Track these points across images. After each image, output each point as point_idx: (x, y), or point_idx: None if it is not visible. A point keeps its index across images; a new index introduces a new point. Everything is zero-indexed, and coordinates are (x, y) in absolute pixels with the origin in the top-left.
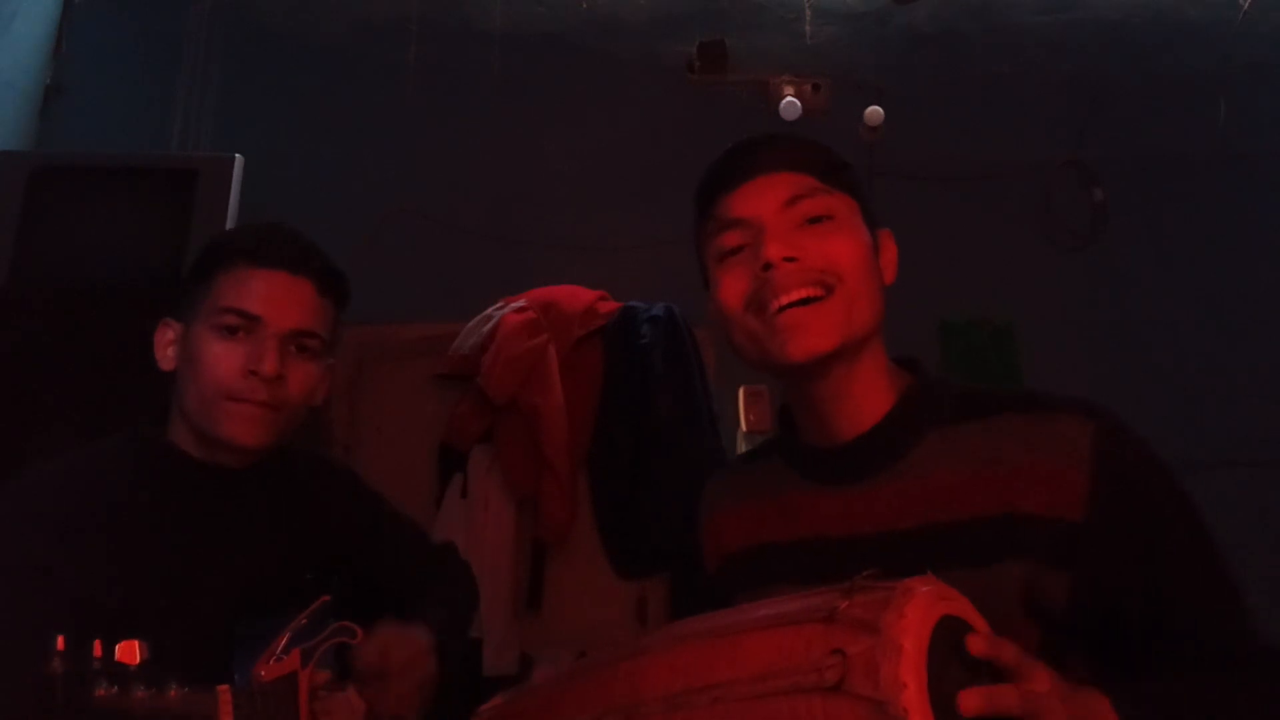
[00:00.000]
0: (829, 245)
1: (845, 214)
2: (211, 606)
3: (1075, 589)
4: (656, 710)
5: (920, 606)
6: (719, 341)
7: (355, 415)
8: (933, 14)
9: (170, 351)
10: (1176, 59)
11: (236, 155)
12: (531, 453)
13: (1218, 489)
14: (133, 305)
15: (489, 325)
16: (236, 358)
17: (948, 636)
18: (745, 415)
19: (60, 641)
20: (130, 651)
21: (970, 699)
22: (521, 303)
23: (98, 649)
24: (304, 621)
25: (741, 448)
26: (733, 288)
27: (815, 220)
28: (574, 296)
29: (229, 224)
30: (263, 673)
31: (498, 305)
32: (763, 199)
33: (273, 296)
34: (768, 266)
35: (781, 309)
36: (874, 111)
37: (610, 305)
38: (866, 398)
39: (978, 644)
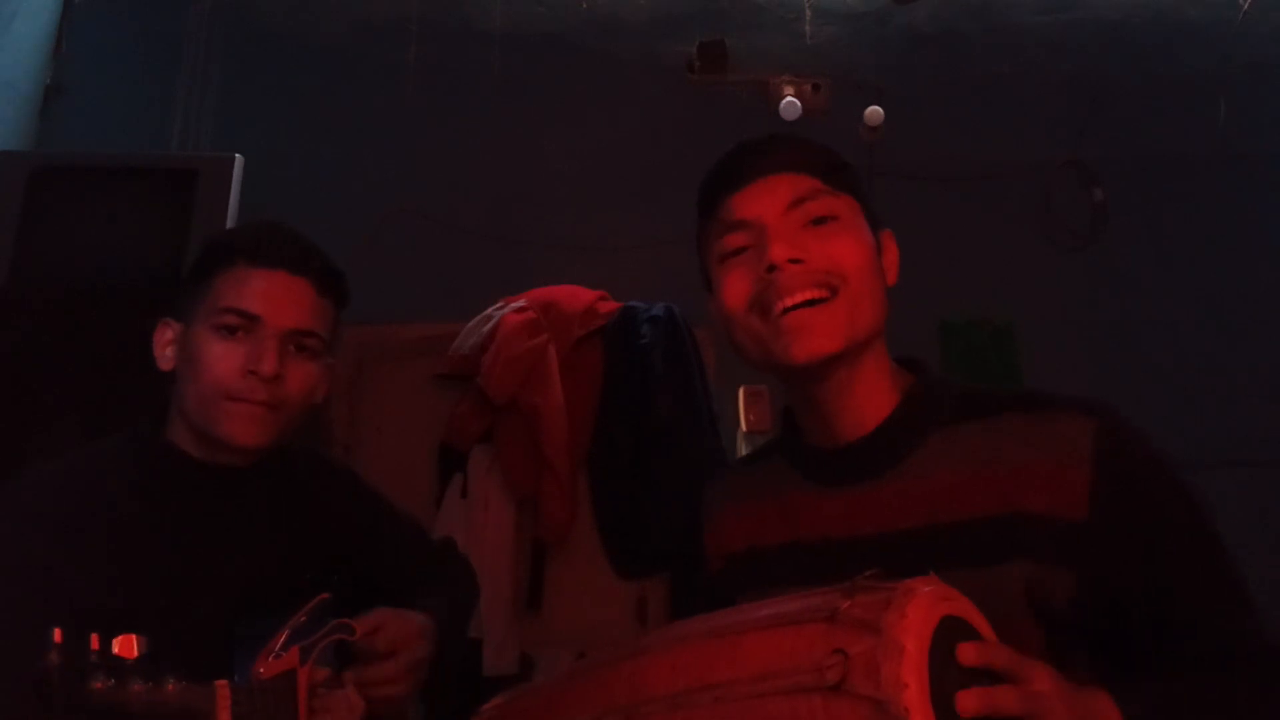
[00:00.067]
0: (833, 246)
1: (848, 215)
2: (211, 606)
3: (1079, 588)
4: (658, 710)
5: (922, 606)
6: (719, 341)
7: (355, 415)
8: (933, 14)
9: (169, 351)
10: (1176, 59)
11: (236, 155)
12: (531, 453)
13: (1218, 489)
14: (133, 305)
15: (489, 325)
16: (236, 357)
17: (949, 637)
18: (745, 415)
19: (58, 634)
20: (128, 645)
21: (968, 700)
22: (521, 303)
23: (95, 642)
24: (303, 619)
25: (741, 448)
26: (736, 289)
27: (819, 221)
28: (574, 296)
29: (229, 224)
30: (261, 670)
31: (498, 305)
32: (766, 200)
33: (272, 296)
34: (772, 268)
35: (786, 310)
36: (874, 111)
37: (610, 305)
38: (869, 399)
39: (969, 653)
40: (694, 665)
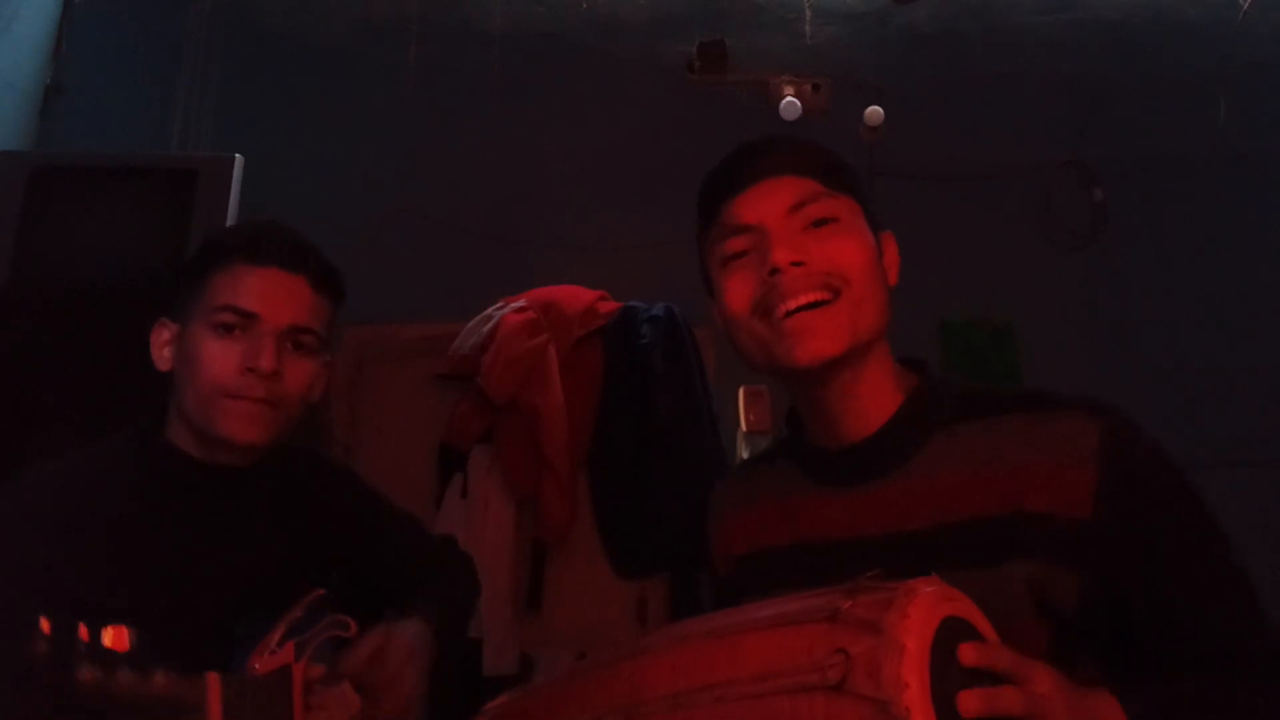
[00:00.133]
0: (834, 249)
1: (849, 217)
2: (211, 606)
3: (1084, 587)
4: (658, 709)
5: (924, 607)
6: (719, 341)
7: (355, 415)
8: (933, 14)
9: (167, 352)
10: (1176, 59)
11: (236, 155)
12: (531, 453)
13: (1218, 489)
14: (133, 305)
15: (489, 325)
16: (234, 355)
17: (951, 637)
18: (745, 415)
19: (45, 624)
20: (119, 637)
21: (970, 700)
22: (521, 303)
23: (84, 633)
24: (299, 614)
25: (741, 448)
26: (739, 293)
27: (820, 224)
28: (574, 296)
29: (229, 224)
30: (257, 665)
31: (498, 305)
32: (767, 204)
33: (268, 294)
34: (774, 271)
35: (789, 314)
36: (874, 111)
37: (610, 305)
38: (873, 400)
39: (970, 654)
40: (694, 665)
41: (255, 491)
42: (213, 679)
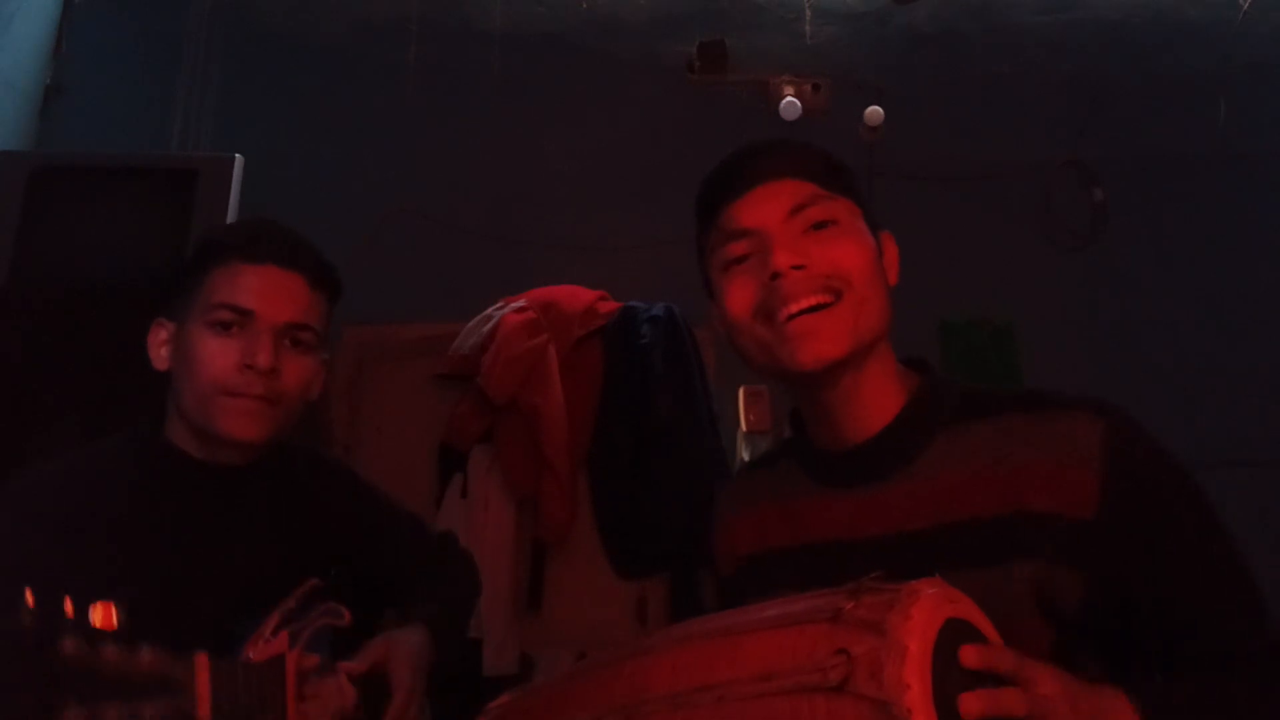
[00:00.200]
0: (835, 251)
1: (848, 218)
2: (211, 606)
3: (1088, 587)
4: (659, 710)
5: (926, 608)
6: (719, 341)
7: (355, 415)
8: (933, 14)
9: (164, 351)
10: (1176, 59)
11: (236, 155)
12: (531, 453)
13: (1218, 489)
14: (133, 305)
15: (489, 325)
16: (231, 353)
17: (953, 639)
18: (745, 415)
19: (29, 597)
20: (107, 615)
21: (972, 702)
22: (521, 303)
23: (69, 608)
24: (293, 604)
25: (741, 448)
26: (740, 297)
27: (819, 226)
28: (574, 296)
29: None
30: (251, 654)
31: (498, 305)
32: (767, 208)
33: (265, 291)
34: (776, 276)
35: (791, 317)
36: (874, 111)
37: (610, 305)
38: (876, 401)
39: (971, 656)
40: (695, 665)
41: (255, 491)
42: (202, 658)
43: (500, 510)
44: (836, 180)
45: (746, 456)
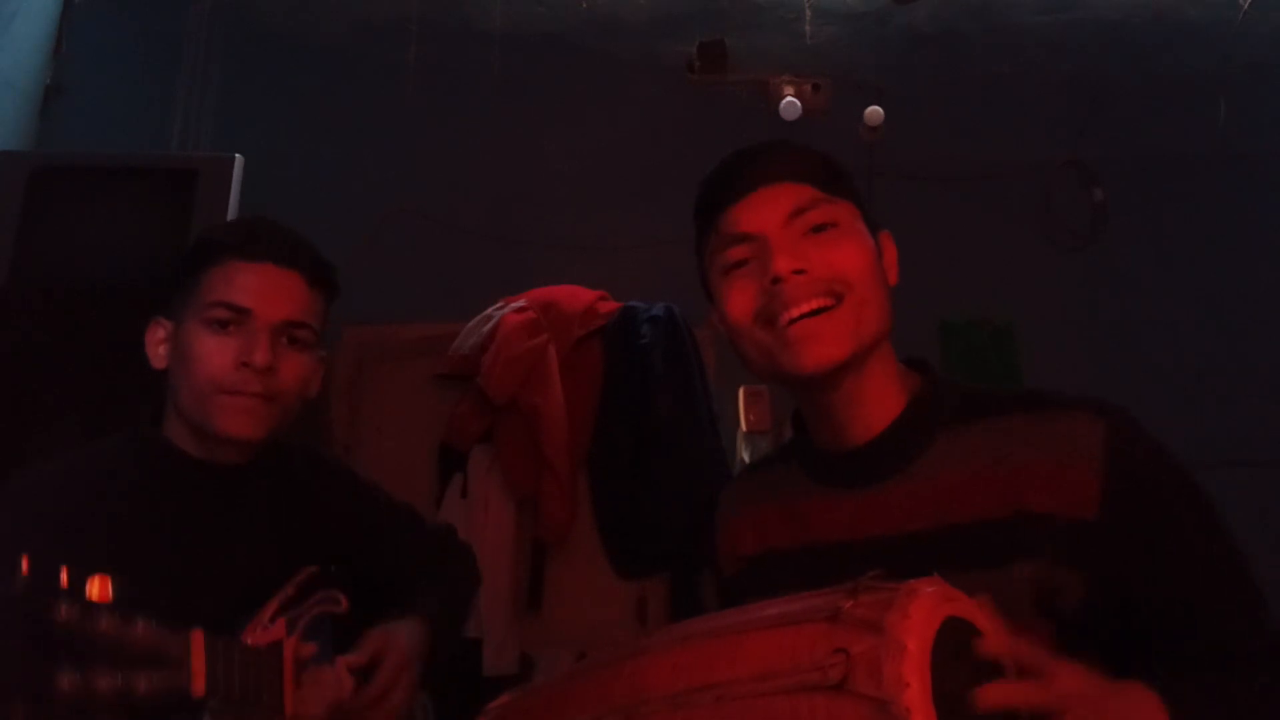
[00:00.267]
0: (835, 254)
1: (848, 221)
2: (211, 605)
3: (1088, 587)
4: (659, 709)
5: (925, 607)
6: (719, 341)
7: (355, 415)
8: (933, 14)
9: (162, 350)
10: (1176, 59)
11: (236, 155)
12: (531, 453)
13: (1218, 489)
14: (133, 305)
15: (489, 325)
16: (228, 351)
17: (952, 637)
18: (745, 415)
19: (25, 563)
20: (103, 587)
21: (991, 694)
22: (521, 303)
23: (64, 578)
24: (291, 592)
25: (741, 448)
26: (740, 301)
27: (819, 229)
28: (574, 296)
29: None
30: (249, 640)
31: (498, 305)
32: (766, 212)
33: (262, 289)
34: (776, 280)
35: (792, 322)
36: (874, 111)
37: (610, 305)
38: (878, 402)
39: (990, 645)
40: (695, 665)
41: (254, 489)
42: (197, 634)
43: (500, 510)
44: (835, 182)
45: (746, 456)
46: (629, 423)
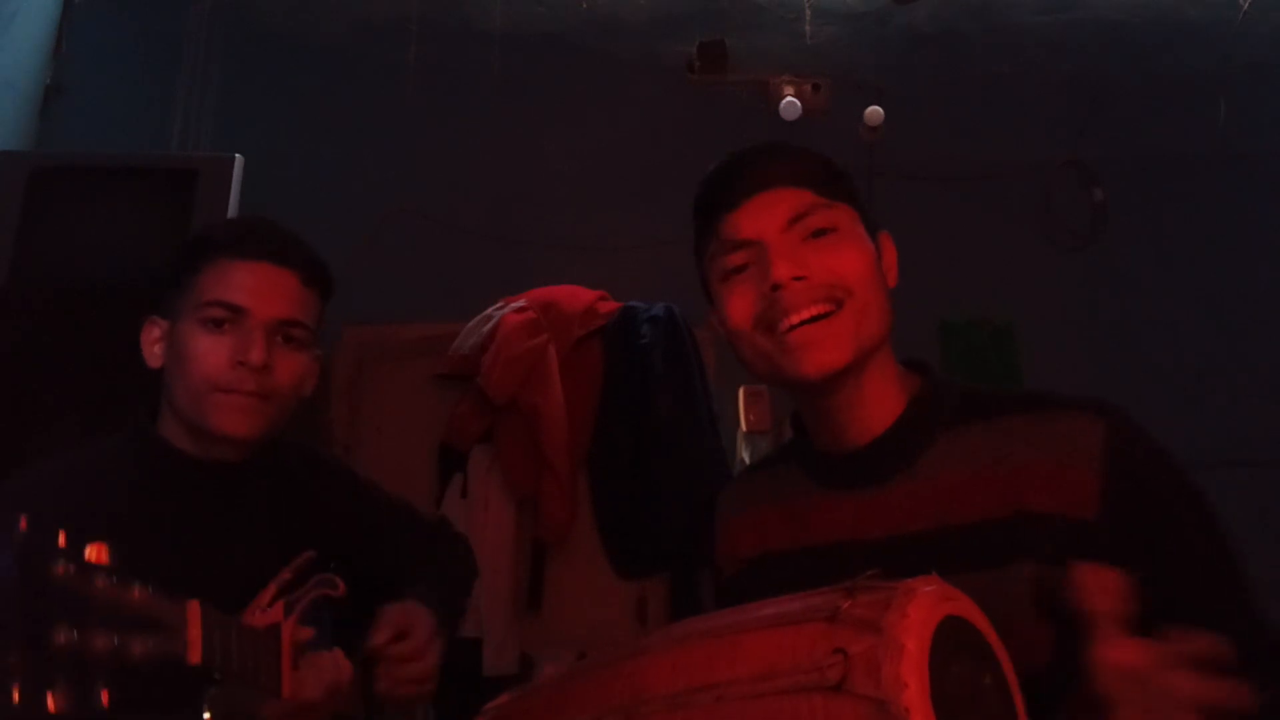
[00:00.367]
0: (835, 259)
1: (847, 225)
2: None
3: None
4: (658, 709)
5: (923, 606)
6: (719, 341)
7: (355, 415)
8: (933, 14)
9: (157, 349)
10: (1176, 59)
11: (236, 155)
12: (531, 453)
13: (1218, 489)
14: (133, 305)
15: (489, 325)
16: (224, 350)
17: (951, 637)
18: (745, 415)
19: (24, 522)
20: (100, 553)
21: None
22: (521, 303)
23: (62, 539)
24: (289, 576)
25: (741, 448)
26: (740, 307)
27: (819, 234)
28: (574, 296)
29: None
30: (248, 622)
31: (498, 305)
32: (765, 218)
33: (257, 288)
34: (776, 287)
35: (792, 328)
36: (874, 111)
37: (610, 305)
38: (878, 404)
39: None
40: (694, 665)
41: (251, 488)
42: (194, 604)
43: (500, 510)
44: (834, 186)
45: (746, 457)
46: (629, 423)
